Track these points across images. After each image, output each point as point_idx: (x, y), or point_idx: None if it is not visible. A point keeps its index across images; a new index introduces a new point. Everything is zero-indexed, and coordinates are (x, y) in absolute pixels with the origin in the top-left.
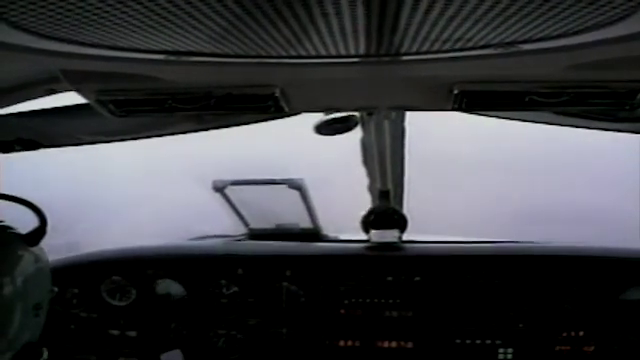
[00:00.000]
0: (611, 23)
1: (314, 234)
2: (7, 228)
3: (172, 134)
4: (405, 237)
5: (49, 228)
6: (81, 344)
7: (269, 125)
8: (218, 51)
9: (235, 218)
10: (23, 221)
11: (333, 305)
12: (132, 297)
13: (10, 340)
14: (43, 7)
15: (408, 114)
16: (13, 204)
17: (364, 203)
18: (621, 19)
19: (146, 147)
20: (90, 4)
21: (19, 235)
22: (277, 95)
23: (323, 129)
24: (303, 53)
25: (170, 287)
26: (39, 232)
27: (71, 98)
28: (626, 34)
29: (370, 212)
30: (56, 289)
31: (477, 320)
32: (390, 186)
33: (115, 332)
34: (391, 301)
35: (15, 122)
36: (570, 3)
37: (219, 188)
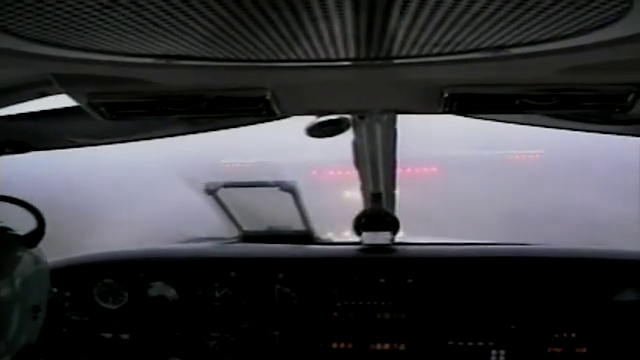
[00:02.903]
0: (600, 27)
1: (307, 236)
2: (5, 229)
3: (164, 137)
4: (397, 239)
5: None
6: (73, 347)
7: (261, 128)
8: (208, 55)
9: (227, 220)
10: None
11: (326, 307)
12: (124, 300)
13: (8, 342)
14: (34, 12)
15: (400, 117)
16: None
17: (356, 205)
18: (610, 23)
19: (137, 149)
20: (80, 9)
21: (17, 236)
22: (268, 98)
23: (315, 131)
24: (294, 57)
25: (162, 290)
26: (37, 233)
27: (62, 101)
28: (615, 38)
29: (362, 214)
30: (55, 290)
31: (469, 322)
32: (382, 188)
33: (107, 335)
34: (383, 303)
35: (6, 124)
36: (558, 8)
37: (211, 191)
